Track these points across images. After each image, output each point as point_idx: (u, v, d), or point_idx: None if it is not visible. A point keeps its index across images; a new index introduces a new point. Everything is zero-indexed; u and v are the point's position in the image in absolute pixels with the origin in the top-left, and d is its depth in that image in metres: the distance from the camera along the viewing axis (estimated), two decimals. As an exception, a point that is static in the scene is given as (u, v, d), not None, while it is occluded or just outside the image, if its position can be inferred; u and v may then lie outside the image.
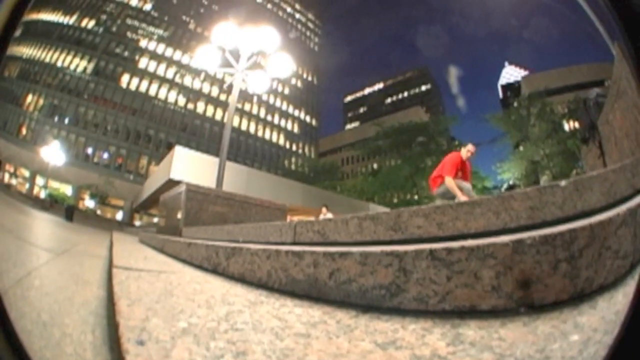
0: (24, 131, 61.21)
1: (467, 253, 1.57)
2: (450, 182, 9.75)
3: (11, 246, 5.73)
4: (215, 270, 3.54)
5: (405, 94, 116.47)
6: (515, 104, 52.87)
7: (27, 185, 53.10)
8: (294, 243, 4.23)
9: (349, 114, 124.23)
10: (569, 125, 45.38)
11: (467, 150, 10.38)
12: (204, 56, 13.81)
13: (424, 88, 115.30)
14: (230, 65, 13.89)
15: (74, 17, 71.75)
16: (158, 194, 26.97)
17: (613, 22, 1.33)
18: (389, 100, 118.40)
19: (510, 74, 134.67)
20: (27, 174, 53.69)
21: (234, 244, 3.99)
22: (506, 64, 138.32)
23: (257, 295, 2.36)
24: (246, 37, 13.89)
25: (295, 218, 26.67)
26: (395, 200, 51.54)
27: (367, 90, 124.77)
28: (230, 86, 14.02)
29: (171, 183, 24.36)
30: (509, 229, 2.37)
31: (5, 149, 50.43)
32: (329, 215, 17.30)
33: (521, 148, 48.74)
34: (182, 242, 5.49)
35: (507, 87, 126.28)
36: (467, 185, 9.90)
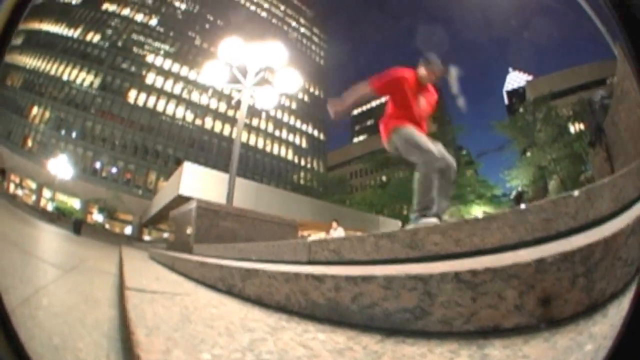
0: (29, 143, 61.80)
1: (491, 274, 1.58)
2: (353, 96, 6.37)
3: (18, 261, 5.56)
4: (229, 292, 3.42)
5: None
6: (521, 110, 52.91)
7: (33, 197, 53.55)
8: (309, 262, 4.22)
9: (357, 127, 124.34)
10: (574, 128, 45.24)
11: (427, 69, 6.36)
12: (211, 72, 13.90)
13: None
14: (238, 81, 13.92)
15: (79, 31, 72.72)
16: (167, 209, 27.01)
17: (613, 23, 1.32)
18: None
19: (515, 79, 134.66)
20: (33, 185, 54.20)
21: (250, 264, 3.85)
22: (510, 69, 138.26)
23: (276, 320, 2.27)
24: (253, 53, 13.94)
25: (305, 233, 26.50)
26: (405, 212, 51.37)
27: (374, 103, 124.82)
28: (239, 102, 14.02)
29: (180, 199, 24.66)
30: (525, 242, 2.38)
31: (9, 159, 50.75)
32: (340, 230, 17.28)
33: (528, 154, 48.70)
34: (195, 261, 5.26)
35: (512, 93, 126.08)
36: (420, 139, 5.97)
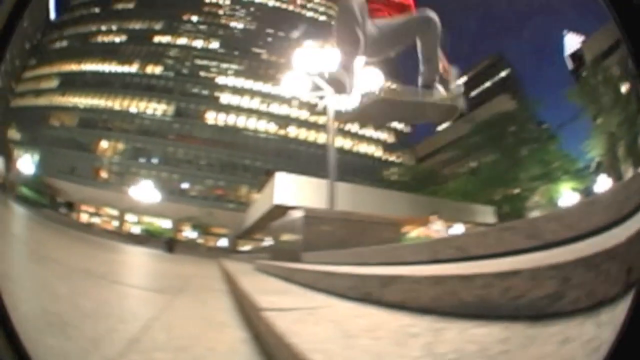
0: (103, 174, 62.37)
1: (606, 255, 1.86)
2: None
3: (110, 296, 5.23)
4: (365, 300, 3.34)
5: (488, 83, 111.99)
6: (584, 74, 50.81)
7: (115, 223, 54.54)
8: (433, 261, 4.15)
9: None
10: (624, 88, 42.04)
11: None
12: (291, 83, 14.14)
13: (503, 74, 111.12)
14: (319, 87, 13.81)
15: (135, 66, 73.22)
16: (263, 220, 27.60)
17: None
18: (474, 93, 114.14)
19: (572, 42, 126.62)
20: (114, 212, 55.11)
21: (390, 270, 3.78)
22: (565, 32, 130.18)
23: (430, 322, 2.33)
24: (329, 58, 13.99)
25: (403, 230, 26.50)
26: (497, 197, 48.78)
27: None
28: (324, 108, 14.29)
29: (276, 208, 25.07)
30: (616, 221, 2.55)
31: (77, 192, 51.20)
32: (439, 223, 17.14)
33: (599, 121, 45.14)
34: (319, 271, 5.20)
35: (574, 57, 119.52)
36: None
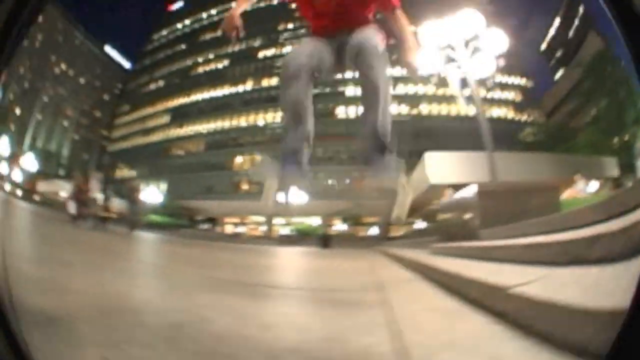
0: (244, 187, 63.23)
1: None
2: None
3: (313, 309, 5.10)
4: (574, 262, 3.45)
5: (577, 21, 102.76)
6: None
7: (263, 228, 57.09)
8: (607, 219, 4.20)
9: (551, 63, 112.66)
10: None
11: None
12: (422, 61, 13.02)
13: (581, 10, 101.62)
14: (451, 59, 14.06)
15: (250, 83, 73.44)
16: (417, 202, 28.00)
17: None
18: (570, 33, 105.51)
19: None
20: (261, 219, 57.19)
21: (586, 233, 3.90)
22: None
23: (625, 266, 2.54)
24: (452, 28, 14.07)
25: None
26: (615, 146, 44.44)
27: (551, 32, 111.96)
28: (464, 80, 14.43)
29: (432, 188, 24.89)
30: None
31: (217, 208, 53.09)
32: (581, 183, 16.84)
33: None
34: (521, 245, 5.27)
35: None
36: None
